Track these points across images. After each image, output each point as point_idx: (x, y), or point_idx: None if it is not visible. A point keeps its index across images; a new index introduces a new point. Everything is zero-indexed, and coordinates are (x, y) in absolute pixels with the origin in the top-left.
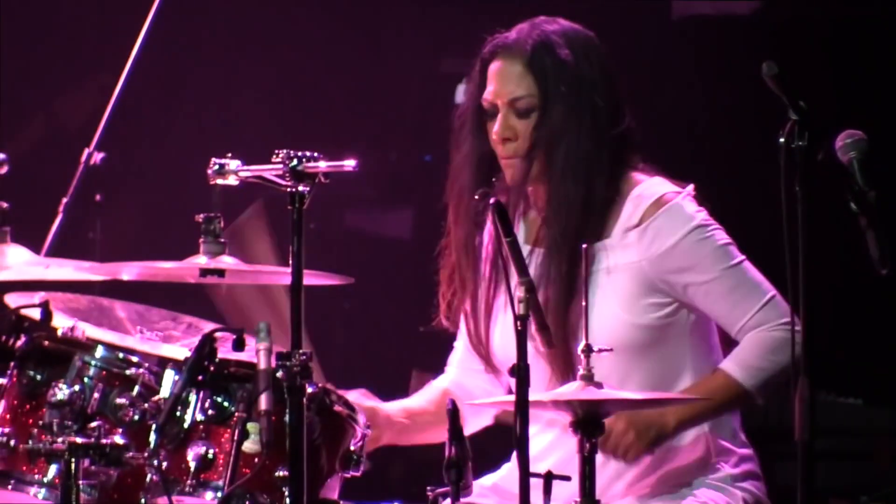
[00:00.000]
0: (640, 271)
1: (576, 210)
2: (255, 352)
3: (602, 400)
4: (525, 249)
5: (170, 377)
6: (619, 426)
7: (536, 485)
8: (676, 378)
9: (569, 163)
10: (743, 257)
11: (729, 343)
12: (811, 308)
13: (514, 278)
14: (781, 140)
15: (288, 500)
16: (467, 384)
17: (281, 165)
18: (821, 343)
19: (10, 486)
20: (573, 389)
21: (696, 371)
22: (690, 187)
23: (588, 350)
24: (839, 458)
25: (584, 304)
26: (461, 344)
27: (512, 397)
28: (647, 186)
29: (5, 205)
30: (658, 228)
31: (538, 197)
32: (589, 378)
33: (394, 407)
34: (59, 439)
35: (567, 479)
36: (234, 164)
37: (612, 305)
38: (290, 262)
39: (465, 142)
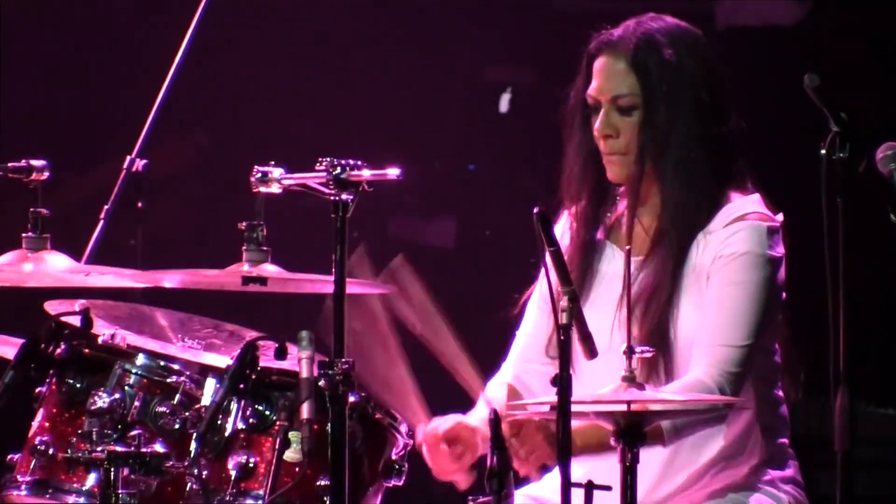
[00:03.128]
0: (707, 274)
1: (688, 209)
2: (298, 360)
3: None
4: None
5: (211, 385)
6: (531, 427)
7: (577, 493)
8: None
9: (678, 163)
10: (767, 308)
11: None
12: (851, 318)
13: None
14: (823, 151)
15: None
16: (527, 381)
17: (324, 173)
18: (860, 353)
19: (48, 495)
20: (614, 391)
21: (756, 372)
22: (780, 217)
23: (630, 351)
24: (878, 468)
25: (625, 307)
26: (528, 338)
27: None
28: (745, 201)
29: (45, 212)
30: (732, 237)
31: (649, 195)
32: (631, 379)
33: (478, 421)
34: (99, 448)
35: (608, 488)
36: (277, 171)
37: (692, 311)
38: (333, 270)
39: (573, 136)
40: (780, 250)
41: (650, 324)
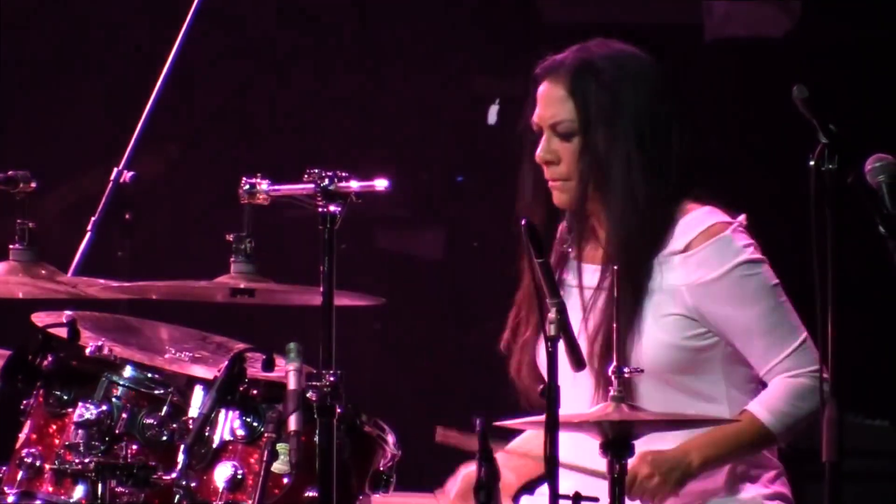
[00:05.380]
0: (680, 297)
1: (631, 233)
2: (285, 372)
3: (632, 421)
4: (595, 270)
5: (198, 397)
6: (644, 471)
7: None
8: (711, 404)
9: (619, 189)
10: (784, 298)
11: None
12: (839, 329)
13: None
14: (811, 163)
15: None
16: None
17: (312, 185)
18: (849, 364)
19: None
20: (603, 410)
21: (730, 399)
22: (742, 218)
23: (619, 372)
24: (866, 480)
25: (615, 325)
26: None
27: (540, 418)
28: (698, 215)
29: (32, 224)
30: (704, 259)
31: (600, 220)
32: (620, 399)
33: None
34: (86, 459)
35: (596, 500)
36: (264, 183)
37: (651, 325)
38: (321, 282)
39: (525, 164)
40: (751, 242)
41: (606, 349)
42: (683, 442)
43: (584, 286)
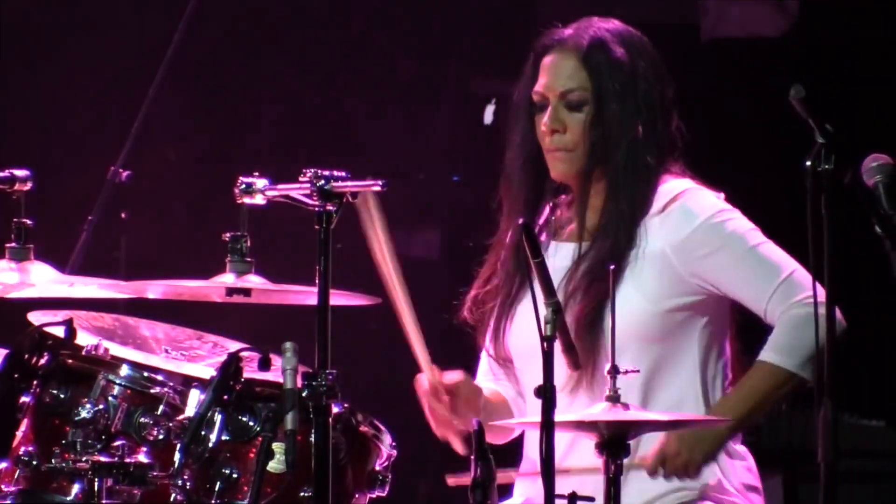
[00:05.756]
0: (667, 264)
1: (635, 205)
2: (281, 371)
3: (628, 422)
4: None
5: (195, 396)
6: (671, 448)
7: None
8: (678, 373)
9: (630, 162)
10: (764, 239)
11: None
12: (835, 329)
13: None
14: (808, 163)
15: None
16: (500, 390)
17: (308, 185)
18: (845, 365)
19: None
20: (599, 410)
21: (701, 372)
22: (721, 195)
23: (615, 371)
24: (862, 480)
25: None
26: (486, 355)
27: (535, 418)
28: (676, 182)
29: (29, 222)
30: (679, 212)
31: (588, 191)
32: (615, 399)
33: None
34: (83, 458)
35: (591, 500)
36: (260, 183)
37: (634, 293)
38: (317, 281)
39: (515, 137)
40: (722, 198)
41: (586, 309)
42: (706, 412)
43: (556, 266)
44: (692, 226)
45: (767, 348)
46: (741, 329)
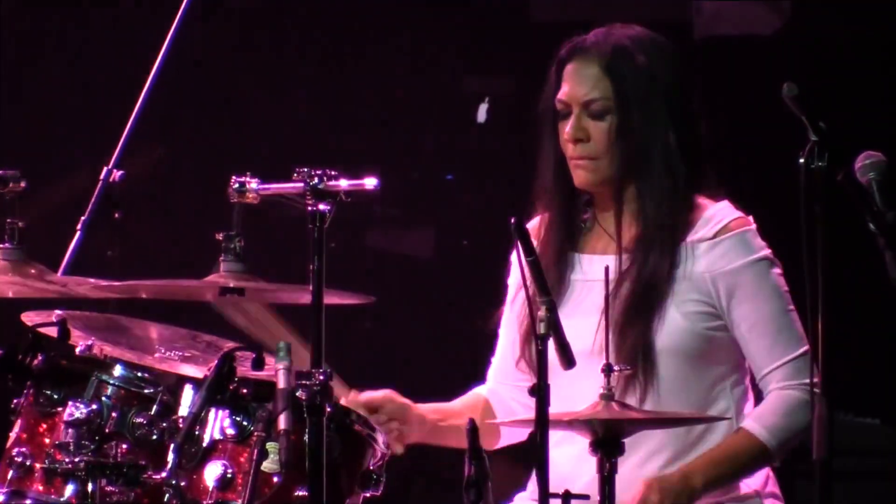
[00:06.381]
0: (703, 284)
1: (670, 216)
2: (275, 371)
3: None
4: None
5: (188, 396)
6: (653, 499)
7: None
8: (720, 392)
9: (658, 170)
10: (793, 307)
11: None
12: (829, 327)
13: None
14: (801, 161)
15: None
16: (503, 393)
17: (301, 184)
18: (839, 362)
19: None
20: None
21: (736, 385)
22: (751, 218)
23: (608, 369)
24: (857, 478)
25: (604, 322)
26: (499, 357)
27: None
28: (722, 206)
29: (21, 223)
30: (730, 246)
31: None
32: (609, 397)
33: (427, 407)
34: (76, 459)
35: (586, 497)
36: (254, 182)
37: (675, 313)
38: (311, 281)
39: (543, 145)
40: (766, 245)
41: (634, 333)
42: (685, 464)
43: (588, 279)
44: (743, 261)
45: (757, 422)
46: None
